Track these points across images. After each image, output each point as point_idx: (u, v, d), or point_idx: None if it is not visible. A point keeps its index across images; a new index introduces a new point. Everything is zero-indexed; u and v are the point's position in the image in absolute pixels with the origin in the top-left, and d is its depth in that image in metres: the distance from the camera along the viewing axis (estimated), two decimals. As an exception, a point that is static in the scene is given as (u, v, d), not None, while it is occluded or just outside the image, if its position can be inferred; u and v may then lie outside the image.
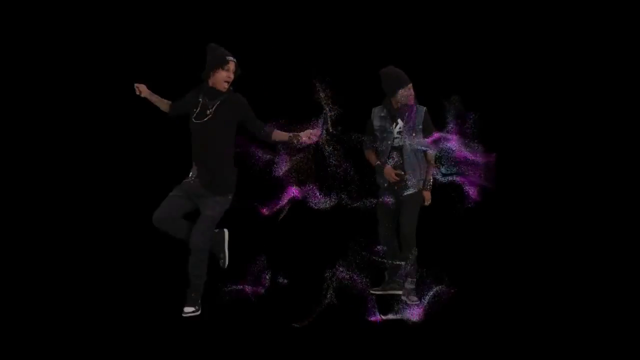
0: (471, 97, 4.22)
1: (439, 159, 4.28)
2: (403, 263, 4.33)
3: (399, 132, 4.36)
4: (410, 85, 4.35)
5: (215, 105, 3.99)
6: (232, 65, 4.01)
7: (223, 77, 3.99)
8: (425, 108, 4.42)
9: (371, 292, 4.20)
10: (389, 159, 4.39)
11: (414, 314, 4.01)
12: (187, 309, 3.91)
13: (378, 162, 4.46)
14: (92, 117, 5.58)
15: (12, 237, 5.33)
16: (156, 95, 4.24)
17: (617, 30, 5.59)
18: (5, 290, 4.38)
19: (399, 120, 4.36)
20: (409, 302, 4.28)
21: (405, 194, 4.38)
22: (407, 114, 4.35)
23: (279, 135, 4.05)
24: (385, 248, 4.42)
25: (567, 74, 5.67)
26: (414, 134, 4.33)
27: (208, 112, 3.99)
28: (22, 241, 5.33)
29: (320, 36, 5.57)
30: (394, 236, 4.48)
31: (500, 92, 5.63)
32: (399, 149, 4.37)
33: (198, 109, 4.02)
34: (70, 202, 5.56)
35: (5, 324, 3.64)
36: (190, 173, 4.05)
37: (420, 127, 4.36)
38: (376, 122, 4.43)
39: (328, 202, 4.19)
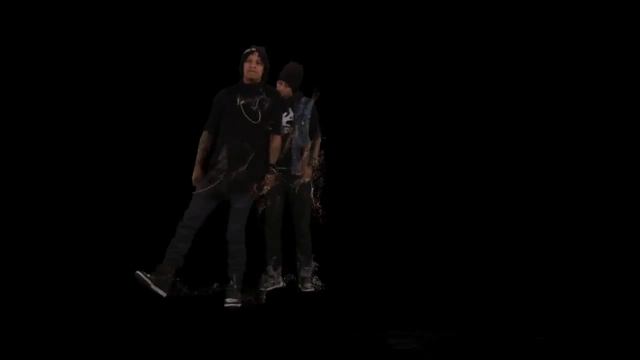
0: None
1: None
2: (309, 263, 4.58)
3: (289, 122, 4.48)
4: (282, 82, 4.46)
5: (257, 99, 4.05)
6: (254, 56, 4.06)
7: (246, 70, 4.06)
8: (313, 100, 4.57)
9: (260, 289, 4.41)
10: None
11: None
12: (229, 300, 3.95)
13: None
14: (91, 117, 5.61)
15: (11, 237, 5.34)
16: (199, 165, 4.18)
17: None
18: (5, 290, 4.37)
19: (290, 110, 4.49)
20: (303, 289, 4.54)
21: (295, 184, 4.49)
22: (296, 104, 4.51)
23: (273, 151, 4.11)
24: (275, 257, 4.55)
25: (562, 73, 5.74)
26: (302, 123, 4.51)
27: (254, 108, 4.04)
28: (22, 241, 5.33)
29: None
30: (281, 217, 4.58)
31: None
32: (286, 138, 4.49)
33: (244, 110, 4.03)
34: (70, 202, 5.57)
35: (5, 324, 3.63)
36: (216, 171, 4.02)
37: (309, 117, 4.53)
38: None
39: None
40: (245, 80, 4.09)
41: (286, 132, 4.45)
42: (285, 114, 4.44)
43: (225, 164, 4.00)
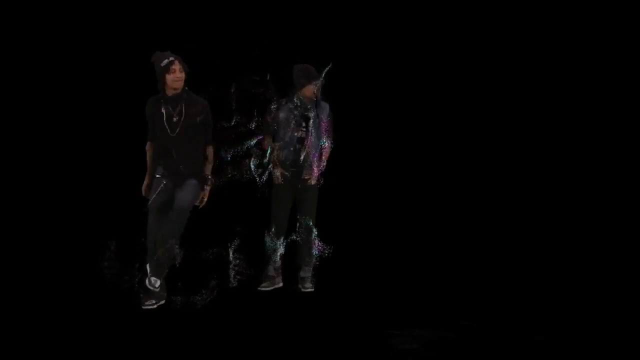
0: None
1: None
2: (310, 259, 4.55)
3: (305, 126, 4.53)
4: (318, 82, 4.50)
5: (180, 109, 3.98)
6: (176, 66, 3.93)
7: (170, 81, 3.93)
8: (328, 104, 4.63)
9: (259, 289, 4.43)
10: (292, 149, 4.53)
11: None
12: (148, 302, 3.88)
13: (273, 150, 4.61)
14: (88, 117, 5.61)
15: (11, 237, 5.33)
16: (150, 171, 4.17)
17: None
18: (5, 290, 4.37)
19: (308, 114, 4.54)
20: (303, 289, 4.52)
21: (304, 184, 4.53)
22: (314, 108, 4.54)
23: (207, 164, 4.09)
24: (276, 258, 4.55)
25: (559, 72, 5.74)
26: (319, 127, 4.56)
27: (174, 119, 3.98)
28: (21, 240, 5.33)
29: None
30: (287, 217, 4.62)
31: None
32: (302, 140, 4.51)
33: (166, 121, 3.98)
34: (67, 201, 5.57)
35: (5, 324, 3.63)
36: (159, 177, 4.03)
37: (325, 121, 4.59)
38: (283, 113, 4.53)
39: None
40: (169, 92, 3.96)
41: (301, 135, 4.49)
42: (303, 116, 4.48)
43: (163, 173, 4.01)
